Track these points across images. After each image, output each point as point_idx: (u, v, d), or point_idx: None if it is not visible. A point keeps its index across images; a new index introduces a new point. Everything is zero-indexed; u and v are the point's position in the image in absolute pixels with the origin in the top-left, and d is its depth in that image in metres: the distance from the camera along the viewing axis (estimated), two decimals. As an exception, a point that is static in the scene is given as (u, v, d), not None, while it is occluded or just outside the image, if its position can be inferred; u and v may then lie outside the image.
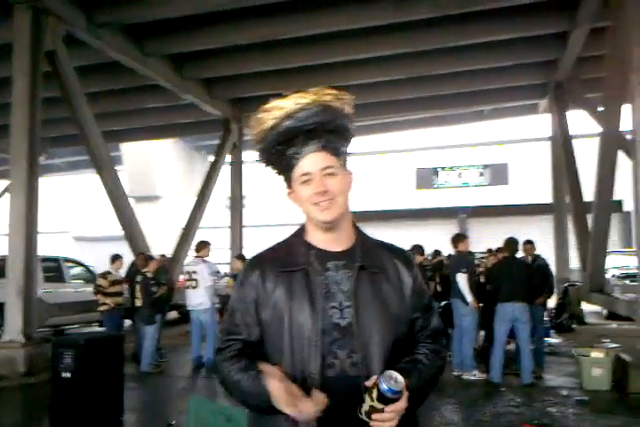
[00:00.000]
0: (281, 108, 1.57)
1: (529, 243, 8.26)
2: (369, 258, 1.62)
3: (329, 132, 1.59)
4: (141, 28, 10.27)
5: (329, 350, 1.52)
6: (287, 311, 1.55)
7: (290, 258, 1.62)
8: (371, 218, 22.03)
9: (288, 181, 1.65)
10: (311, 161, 1.58)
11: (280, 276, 1.59)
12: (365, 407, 1.40)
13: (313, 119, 1.57)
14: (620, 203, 18.03)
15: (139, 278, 8.35)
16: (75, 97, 9.78)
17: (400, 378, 1.37)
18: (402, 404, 1.41)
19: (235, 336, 1.64)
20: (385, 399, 1.37)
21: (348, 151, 1.67)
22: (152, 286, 8.30)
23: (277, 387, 1.43)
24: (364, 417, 1.40)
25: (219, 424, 2.81)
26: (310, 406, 1.41)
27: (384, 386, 1.35)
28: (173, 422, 5.19)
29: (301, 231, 1.70)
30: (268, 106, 1.60)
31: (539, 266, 8.32)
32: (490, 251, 9.77)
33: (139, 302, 8.23)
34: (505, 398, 6.26)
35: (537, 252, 8.79)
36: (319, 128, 1.58)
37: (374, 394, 1.37)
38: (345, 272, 1.58)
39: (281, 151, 1.61)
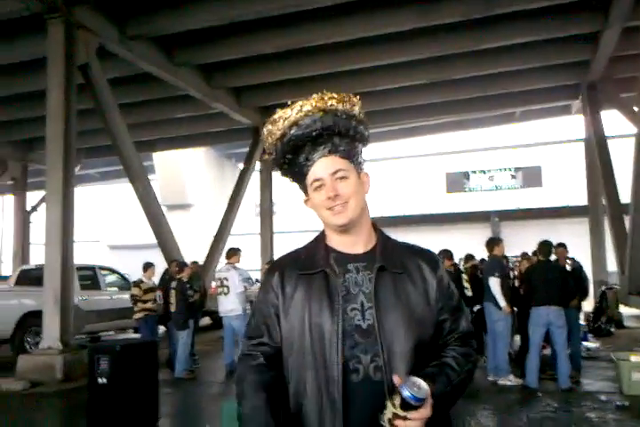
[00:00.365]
0: (286, 118, 1.58)
1: (561, 246, 8.10)
2: (390, 259, 1.59)
3: (337, 135, 1.58)
4: (171, 40, 10.46)
5: (352, 354, 1.49)
6: (307, 314, 1.54)
7: (309, 261, 1.62)
8: (401, 223, 21.94)
9: (303, 188, 1.65)
10: (321, 166, 1.58)
11: (300, 278, 1.59)
12: (388, 415, 1.37)
13: (317, 125, 1.56)
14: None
15: (173, 284, 8.45)
16: (108, 108, 9.99)
17: (424, 385, 1.34)
18: (426, 411, 1.37)
19: (257, 340, 1.64)
20: (408, 406, 1.34)
21: (361, 153, 1.65)
22: (187, 291, 8.41)
23: None
24: (386, 425, 1.37)
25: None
26: None
27: (407, 393, 1.32)
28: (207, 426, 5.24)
29: (322, 236, 1.69)
30: (273, 117, 1.61)
31: (573, 269, 8.19)
32: (524, 255, 9.62)
33: (173, 308, 8.33)
34: (542, 403, 6.14)
35: (571, 255, 8.64)
36: (325, 133, 1.57)
37: (397, 401, 1.35)
38: (366, 274, 1.57)
39: (292, 160, 1.62)
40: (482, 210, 23.32)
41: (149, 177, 12.86)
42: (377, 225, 1.69)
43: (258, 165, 15.49)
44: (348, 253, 1.62)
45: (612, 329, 11.44)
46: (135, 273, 11.03)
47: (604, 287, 12.38)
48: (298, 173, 1.63)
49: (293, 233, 25.18)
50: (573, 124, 18.65)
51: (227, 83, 12.43)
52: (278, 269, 1.66)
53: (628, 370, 6.39)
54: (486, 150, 25.01)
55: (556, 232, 19.53)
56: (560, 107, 16.04)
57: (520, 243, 15.94)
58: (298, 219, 26.14)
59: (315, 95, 1.59)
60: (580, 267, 8.76)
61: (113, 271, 12.77)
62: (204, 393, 7.38)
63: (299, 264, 1.63)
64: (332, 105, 1.58)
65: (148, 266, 9.12)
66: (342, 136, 1.59)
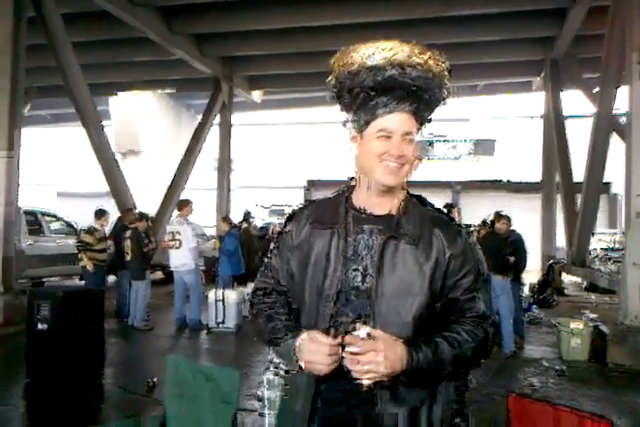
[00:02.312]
0: (395, 55, 1.48)
1: (505, 217, 8.27)
2: (407, 227, 1.54)
3: (425, 99, 1.53)
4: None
5: (341, 310, 1.51)
6: (310, 266, 1.57)
7: (327, 215, 1.61)
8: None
9: (358, 124, 1.55)
10: (397, 120, 1.51)
11: (314, 230, 1.60)
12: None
13: (422, 82, 1.50)
14: (608, 185, 18.08)
15: (128, 233, 8.21)
16: (61, 45, 9.47)
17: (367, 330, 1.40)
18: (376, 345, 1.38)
19: (266, 279, 1.71)
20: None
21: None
22: (144, 240, 8.23)
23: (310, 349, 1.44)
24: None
25: (198, 383, 2.75)
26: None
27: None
28: (154, 380, 5.16)
29: (347, 190, 1.66)
30: (379, 43, 1.52)
31: (513, 240, 8.34)
32: (484, 223, 9.73)
33: (128, 258, 8.10)
34: (486, 368, 6.30)
35: (524, 228, 8.81)
36: (420, 93, 1.51)
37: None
38: (379, 238, 1.53)
39: (370, 95, 1.50)
40: (443, 180, 23.53)
41: (105, 122, 12.38)
42: (406, 187, 1.63)
43: (217, 117, 15.07)
44: (367, 213, 1.59)
45: (555, 300, 11.82)
46: (83, 222, 10.69)
47: (551, 261, 12.75)
48: (365, 109, 1.52)
49: (251, 188, 25.03)
50: (533, 100, 18.81)
51: (188, 29, 11.93)
52: (296, 218, 1.67)
53: (568, 336, 6.61)
54: (449, 121, 25.09)
55: (514, 204, 19.96)
56: (522, 82, 16.14)
57: (477, 213, 16.20)
58: (255, 175, 25.92)
59: (426, 49, 1.52)
60: (520, 238, 8.91)
61: (57, 218, 12.32)
62: (152, 346, 7.29)
63: (316, 216, 1.63)
64: (437, 65, 1.51)
65: (101, 213, 8.77)
66: (428, 102, 1.54)
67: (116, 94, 18.14)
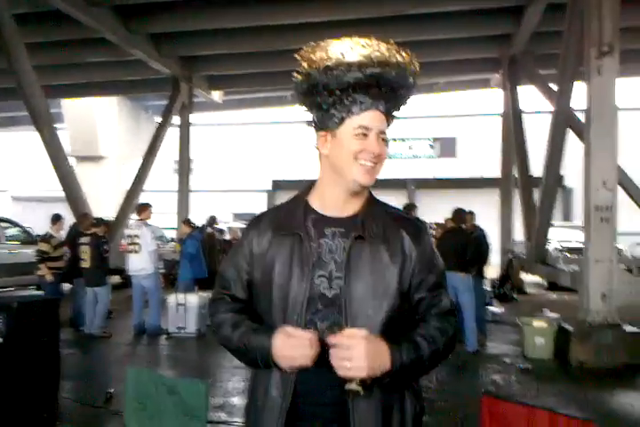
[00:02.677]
0: (374, 51, 1.46)
1: (470, 213, 8.38)
2: (371, 227, 1.50)
3: (396, 99, 1.52)
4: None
5: (310, 319, 1.46)
6: (275, 275, 1.50)
7: (286, 221, 1.55)
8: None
9: (330, 121, 1.49)
10: (374, 118, 1.48)
11: (275, 238, 1.54)
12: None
13: (399, 81, 1.49)
14: (561, 179, 18.42)
15: (86, 239, 7.96)
16: (12, 46, 9.20)
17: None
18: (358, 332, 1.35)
19: (225, 291, 1.63)
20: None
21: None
22: (103, 246, 8.02)
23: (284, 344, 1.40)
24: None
25: (160, 396, 2.64)
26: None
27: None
28: (112, 391, 5.00)
29: (305, 192, 1.59)
30: (353, 39, 1.48)
31: (476, 236, 8.44)
32: (445, 221, 9.81)
33: (86, 264, 7.86)
34: (450, 365, 6.31)
35: (483, 223, 8.88)
36: (395, 92, 1.50)
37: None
38: (342, 241, 1.49)
39: (348, 92, 1.46)
40: (399, 177, 23.66)
41: (58, 126, 12.05)
42: (369, 190, 1.59)
43: (177, 118, 14.80)
44: (328, 217, 1.53)
45: (515, 295, 12.01)
46: (39, 228, 10.38)
47: (510, 256, 12.93)
48: (340, 106, 1.47)
49: (211, 192, 24.73)
50: (490, 98, 19.05)
51: (146, 28, 11.65)
52: (255, 225, 1.61)
53: (531, 334, 6.70)
54: (407, 119, 25.26)
55: (470, 202, 20.19)
56: (480, 80, 16.31)
57: (435, 211, 16.34)
58: (216, 178, 25.63)
59: (405, 50, 1.52)
60: (483, 234, 9.03)
61: (13, 224, 11.93)
62: (111, 354, 7.08)
63: (275, 223, 1.57)
64: (412, 65, 1.51)
65: (57, 218, 8.49)
66: (399, 102, 1.54)
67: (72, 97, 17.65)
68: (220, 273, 1.66)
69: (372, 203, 1.56)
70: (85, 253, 7.88)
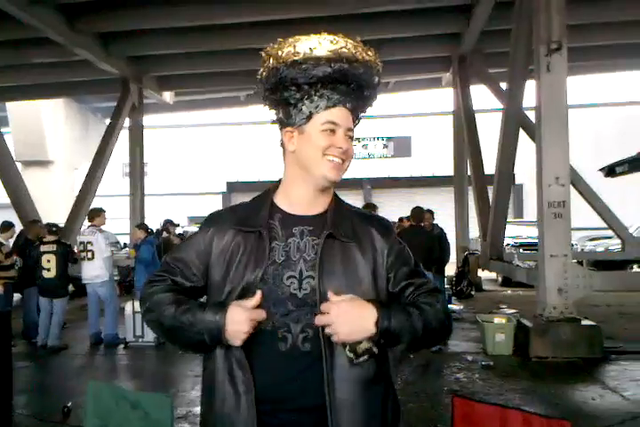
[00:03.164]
0: (342, 48, 1.45)
1: (428, 212, 8.46)
2: (340, 226, 1.48)
3: (363, 97, 1.52)
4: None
5: (282, 322, 1.41)
6: (232, 272, 1.44)
7: (249, 218, 1.49)
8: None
9: (297, 117, 1.47)
10: (342, 114, 1.47)
11: (236, 235, 1.47)
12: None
13: (368, 79, 1.49)
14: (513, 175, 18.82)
15: (49, 247, 7.58)
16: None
17: None
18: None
19: (169, 275, 1.52)
20: None
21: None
22: (72, 255, 7.75)
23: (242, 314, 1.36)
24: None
25: (122, 411, 2.51)
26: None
27: None
28: (69, 405, 4.81)
29: (269, 192, 1.55)
30: (321, 36, 1.47)
31: (437, 234, 8.56)
32: (400, 220, 9.88)
33: (50, 274, 7.49)
34: (413, 364, 6.33)
35: (439, 221, 9.01)
36: (362, 90, 1.50)
37: None
38: (310, 240, 1.46)
39: (316, 87, 1.44)
40: (355, 177, 23.78)
41: (2, 129, 11.59)
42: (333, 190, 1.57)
43: (127, 121, 14.44)
44: (295, 215, 1.50)
45: (473, 292, 12.19)
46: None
47: (466, 253, 13.11)
48: (307, 101, 1.45)
49: (166, 196, 24.29)
50: (444, 97, 19.34)
51: (92, 27, 11.25)
52: (214, 221, 1.54)
53: (492, 332, 6.77)
54: (362, 119, 25.43)
55: (426, 200, 20.45)
56: (431, 79, 16.49)
57: (390, 210, 16.49)
58: (171, 181, 25.19)
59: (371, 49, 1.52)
60: (443, 233, 9.17)
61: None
62: (67, 366, 6.82)
63: (237, 219, 1.50)
64: (377, 64, 1.52)
65: (7, 226, 8.13)
66: (366, 101, 1.53)
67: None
68: (166, 260, 1.56)
69: (337, 202, 1.55)
70: (49, 263, 7.53)
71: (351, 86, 1.46)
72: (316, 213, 1.50)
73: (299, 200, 1.50)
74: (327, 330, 1.33)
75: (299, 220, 1.49)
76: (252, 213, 1.51)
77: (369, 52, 1.49)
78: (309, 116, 1.45)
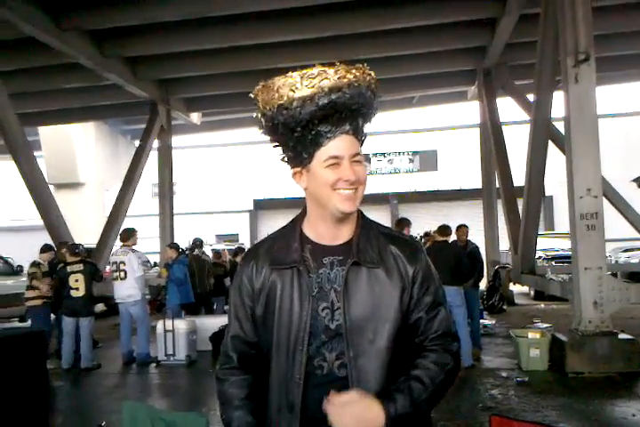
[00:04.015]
0: (323, 79, 1.39)
1: (462, 227, 8.38)
2: (366, 251, 1.47)
3: (362, 114, 1.47)
4: (58, 2, 9.52)
5: (318, 352, 1.44)
6: (277, 310, 1.47)
7: (283, 253, 1.50)
8: (300, 206, 21.92)
9: (300, 159, 1.46)
10: (343, 144, 1.43)
11: (273, 272, 1.49)
12: None
13: (359, 99, 1.42)
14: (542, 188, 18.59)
15: (77, 267, 7.69)
16: (-15, 74, 9.02)
17: None
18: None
19: (234, 333, 1.57)
20: None
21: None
22: (98, 273, 7.91)
23: None
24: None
25: (159, 431, 2.52)
26: None
27: None
28: (103, 424, 4.83)
29: (298, 221, 1.55)
30: (300, 72, 1.42)
31: (470, 250, 8.45)
32: (427, 234, 9.81)
33: (78, 294, 7.59)
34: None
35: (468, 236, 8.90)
36: (358, 110, 1.45)
37: None
38: (340, 269, 1.46)
39: (309, 126, 1.41)
40: (381, 192, 23.74)
41: (35, 153, 11.88)
42: (360, 210, 1.55)
43: (156, 143, 14.70)
44: (324, 245, 1.50)
45: (505, 307, 11.99)
46: (20, 258, 10.16)
47: (496, 267, 12.93)
48: (307, 142, 1.43)
49: (195, 214, 24.55)
50: (469, 110, 19.28)
51: (121, 52, 11.56)
52: (253, 258, 1.55)
53: (527, 347, 6.64)
54: (386, 134, 25.43)
55: (452, 214, 20.33)
56: (457, 92, 16.45)
57: (417, 225, 16.36)
58: (199, 200, 25.47)
59: (347, 65, 1.44)
60: (477, 248, 9.06)
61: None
62: (100, 385, 6.88)
63: (272, 255, 1.52)
64: (365, 77, 1.44)
65: (46, 249, 8.28)
66: (364, 118, 1.48)
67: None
68: (228, 316, 1.61)
69: (364, 225, 1.53)
70: (77, 282, 7.63)
71: (344, 114, 1.42)
72: (342, 241, 1.50)
73: (324, 232, 1.50)
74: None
75: (328, 250, 1.49)
76: (285, 247, 1.51)
77: (353, 71, 1.42)
78: (311, 156, 1.44)
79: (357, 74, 1.42)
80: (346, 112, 1.42)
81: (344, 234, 1.50)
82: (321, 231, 1.51)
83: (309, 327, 1.43)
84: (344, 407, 1.32)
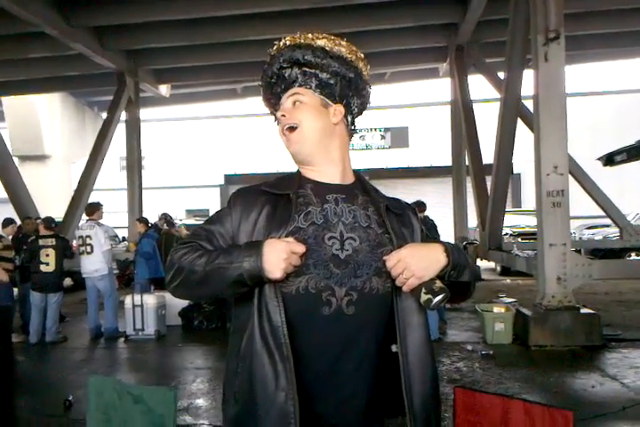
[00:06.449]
0: (270, 52, 1.64)
1: (420, 204, 8.45)
2: (382, 198, 1.57)
3: (309, 69, 1.57)
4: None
5: (326, 284, 1.39)
6: (258, 234, 1.44)
7: (280, 185, 1.53)
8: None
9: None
10: (284, 96, 1.60)
11: (265, 203, 1.47)
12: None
13: (289, 56, 1.58)
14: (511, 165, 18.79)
15: (48, 241, 7.54)
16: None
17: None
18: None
19: (196, 239, 1.48)
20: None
21: (340, 88, 1.60)
22: (70, 249, 7.79)
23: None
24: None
25: (126, 406, 2.52)
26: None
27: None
28: (70, 398, 4.82)
29: (297, 171, 1.61)
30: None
31: (428, 227, 8.56)
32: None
33: (48, 268, 7.46)
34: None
35: (436, 212, 9.00)
36: (296, 66, 1.58)
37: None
38: (345, 206, 1.49)
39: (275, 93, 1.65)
40: (353, 168, 23.74)
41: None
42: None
43: (124, 114, 14.37)
44: (326, 183, 1.53)
45: (472, 282, 12.20)
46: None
47: (465, 242, 13.10)
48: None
49: (164, 189, 24.26)
50: (440, 87, 19.28)
51: (87, 21, 11.19)
52: (243, 195, 1.53)
53: (492, 321, 6.78)
54: (358, 110, 25.35)
55: (424, 191, 20.46)
56: (428, 69, 16.42)
57: (389, 201, 16.40)
58: (168, 174, 25.15)
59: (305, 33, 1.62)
60: (434, 224, 9.13)
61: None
62: (67, 360, 6.82)
63: (265, 185, 1.53)
64: (311, 40, 1.58)
65: (8, 222, 8.07)
66: (319, 70, 1.56)
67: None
68: (193, 230, 1.58)
69: (361, 178, 1.62)
70: (48, 257, 7.49)
71: (292, 71, 1.59)
72: (344, 183, 1.54)
73: (317, 174, 1.54)
74: (400, 278, 1.35)
75: (331, 188, 1.52)
76: (283, 181, 1.54)
77: (332, 39, 1.59)
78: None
79: (297, 39, 1.58)
80: (284, 72, 1.58)
81: (338, 177, 1.54)
82: (315, 174, 1.54)
83: (318, 254, 1.39)
84: (405, 248, 1.38)
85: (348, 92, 1.59)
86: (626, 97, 23.93)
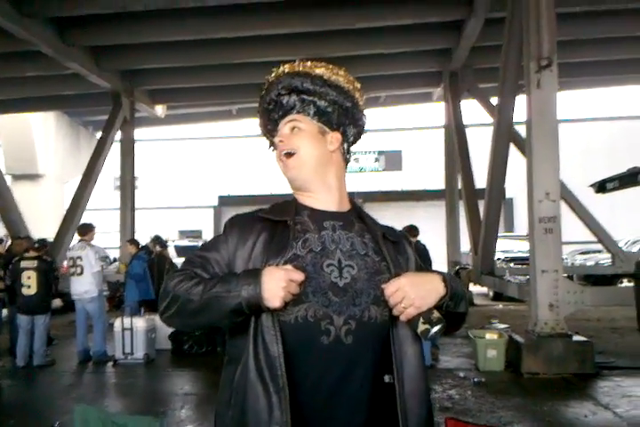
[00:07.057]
0: (267, 81, 1.66)
1: (412, 228, 8.43)
2: (377, 226, 1.56)
3: (307, 97, 1.58)
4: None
5: (324, 313, 1.36)
6: (256, 261, 1.42)
7: (277, 213, 1.51)
8: (266, 203, 21.82)
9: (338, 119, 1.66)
10: (282, 123, 1.60)
11: (262, 231, 1.46)
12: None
13: (286, 84, 1.59)
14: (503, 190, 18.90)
15: (29, 264, 7.41)
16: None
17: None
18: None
19: (191, 267, 1.45)
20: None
21: (337, 116, 1.61)
22: (54, 272, 7.67)
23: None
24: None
25: (111, 436, 2.46)
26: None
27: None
28: (57, 424, 4.71)
29: (292, 197, 1.59)
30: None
31: (418, 251, 8.50)
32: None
33: (30, 291, 7.31)
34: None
35: (428, 236, 8.93)
36: (293, 94, 1.59)
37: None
38: (343, 233, 1.48)
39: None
40: (347, 191, 23.81)
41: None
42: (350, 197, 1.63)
43: (118, 134, 14.40)
44: (322, 210, 1.52)
45: (464, 307, 12.15)
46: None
47: (457, 267, 13.10)
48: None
49: (157, 209, 24.19)
50: (434, 111, 19.46)
51: (84, 41, 11.25)
52: (239, 222, 1.51)
53: (484, 347, 6.73)
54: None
55: (415, 215, 20.51)
56: (423, 93, 16.61)
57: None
58: (161, 195, 25.11)
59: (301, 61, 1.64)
60: (426, 249, 9.09)
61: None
62: (55, 384, 6.69)
63: (266, 213, 1.52)
64: (309, 68, 1.59)
65: None
66: (318, 98, 1.58)
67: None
68: (188, 257, 1.51)
69: (356, 206, 1.62)
70: (29, 280, 7.35)
71: (289, 99, 1.59)
72: (340, 210, 1.54)
73: (313, 201, 1.54)
74: (398, 307, 1.33)
75: (327, 215, 1.51)
76: (279, 208, 1.53)
77: (330, 68, 1.61)
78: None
79: (294, 67, 1.60)
80: (281, 101, 1.59)
81: (334, 204, 1.54)
82: (311, 201, 1.54)
83: (315, 282, 1.38)
84: (404, 277, 1.37)
85: (344, 121, 1.61)
86: (617, 123, 24.25)
